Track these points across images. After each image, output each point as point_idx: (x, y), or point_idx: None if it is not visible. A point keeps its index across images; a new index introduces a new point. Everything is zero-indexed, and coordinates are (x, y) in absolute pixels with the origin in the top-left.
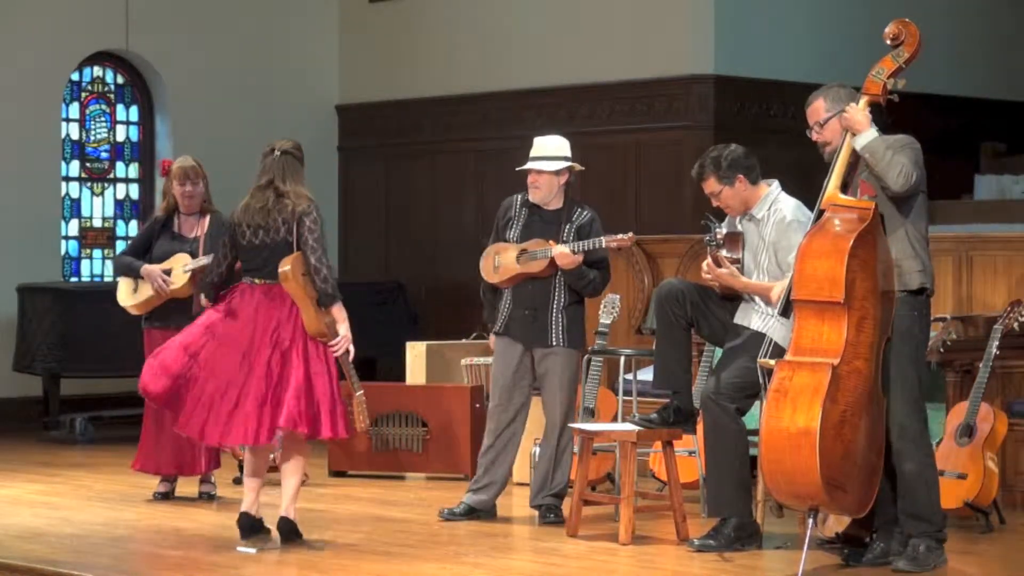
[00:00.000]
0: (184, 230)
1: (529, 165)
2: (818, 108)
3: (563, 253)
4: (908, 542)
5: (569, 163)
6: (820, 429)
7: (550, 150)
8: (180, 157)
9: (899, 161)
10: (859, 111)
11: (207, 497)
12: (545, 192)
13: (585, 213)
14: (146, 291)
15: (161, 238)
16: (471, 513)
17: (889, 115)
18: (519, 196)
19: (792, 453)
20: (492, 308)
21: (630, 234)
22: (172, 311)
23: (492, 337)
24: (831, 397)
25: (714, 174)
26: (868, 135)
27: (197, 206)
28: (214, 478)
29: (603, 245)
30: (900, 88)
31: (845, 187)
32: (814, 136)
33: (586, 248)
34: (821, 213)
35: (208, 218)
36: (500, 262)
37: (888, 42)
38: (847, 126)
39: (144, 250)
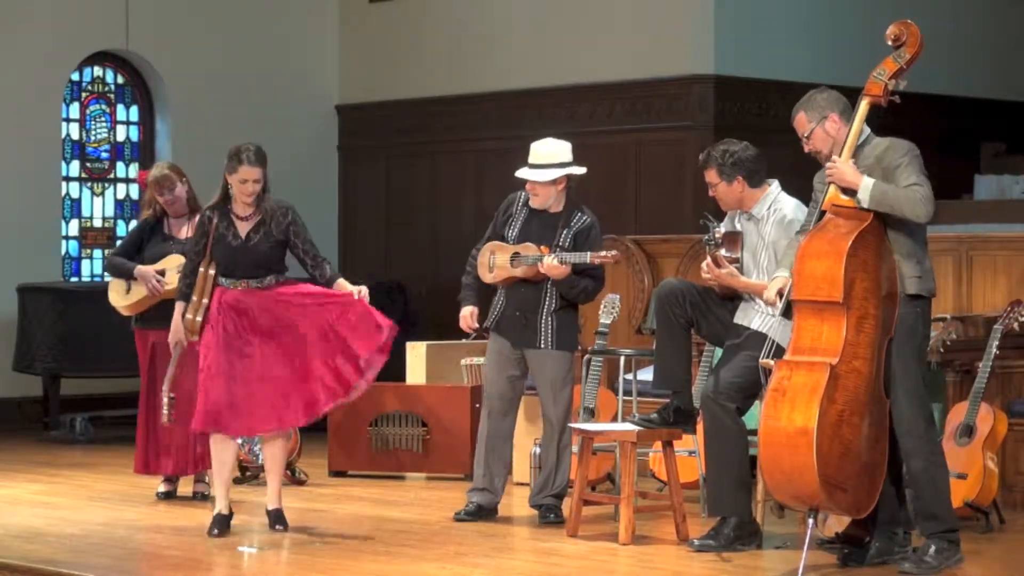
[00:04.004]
0: (175, 231)
1: (523, 174)
2: (801, 121)
3: (551, 266)
4: (906, 542)
5: (564, 171)
6: (817, 428)
7: (545, 157)
8: (154, 166)
9: (907, 191)
10: (844, 164)
11: (201, 497)
12: (544, 199)
13: (585, 219)
14: (139, 292)
15: (152, 240)
16: (481, 512)
17: (888, 116)
18: (523, 194)
19: (790, 453)
20: (471, 290)
21: (614, 252)
22: (163, 312)
23: (468, 308)
24: (829, 397)
25: (716, 167)
26: (865, 187)
27: (183, 209)
28: (208, 478)
29: (588, 260)
30: (902, 89)
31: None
32: (805, 148)
33: (570, 260)
34: (823, 214)
35: (198, 218)
36: (495, 262)
37: (890, 43)
38: (839, 183)
39: (135, 251)
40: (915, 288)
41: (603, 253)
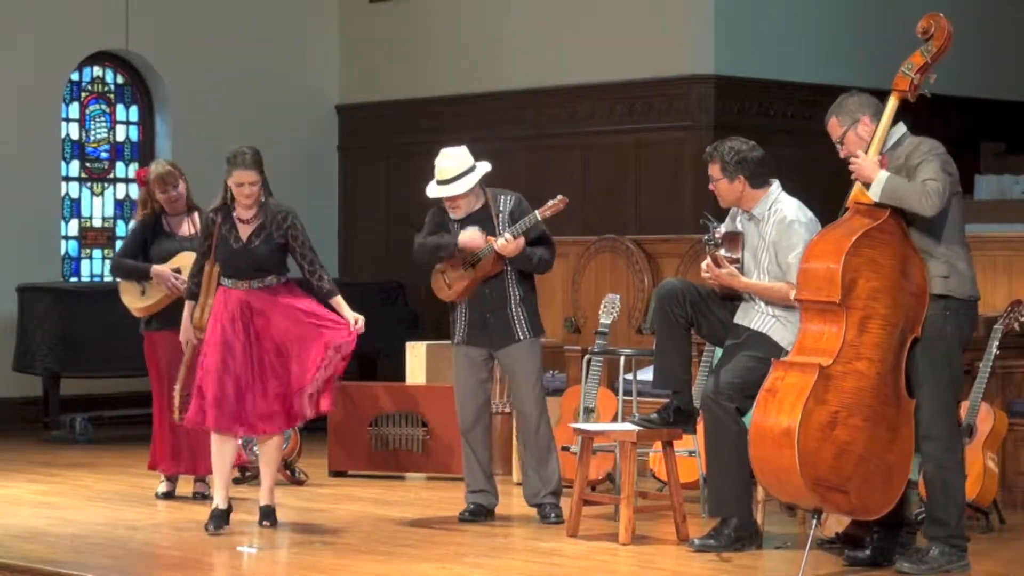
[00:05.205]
0: (176, 229)
1: (439, 192)
2: (833, 126)
3: (504, 244)
4: (907, 541)
5: (477, 176)
6: (800, 430)
7: (452, 170)
8: (154, 163)
9: (918, 184)
10: (865, 160)
11: (200, 497)
12: (466, 208)
13: (510, 198)
14: (157, 292)
15: (156, 239)
16: (481, 512)
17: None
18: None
19: (776, 453)
20: (437, 247)
21: (560, 197)
22: (174, 312)
23: (466, 228)
24: (817, 398)
25: (720, 163)
26: (878, 181)
27: (183, 206)
28: (208, 478)
29: (538, 218)
30: (932, 83)
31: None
32: (841, 154)
33: (522, 229)
34: (846, 210)
35: (196, 215)
36: (450, 278)
37: (919, 36)
38: (859, 178)
39: (140, 251)
40: (941, 288)
41: (549, 203)
